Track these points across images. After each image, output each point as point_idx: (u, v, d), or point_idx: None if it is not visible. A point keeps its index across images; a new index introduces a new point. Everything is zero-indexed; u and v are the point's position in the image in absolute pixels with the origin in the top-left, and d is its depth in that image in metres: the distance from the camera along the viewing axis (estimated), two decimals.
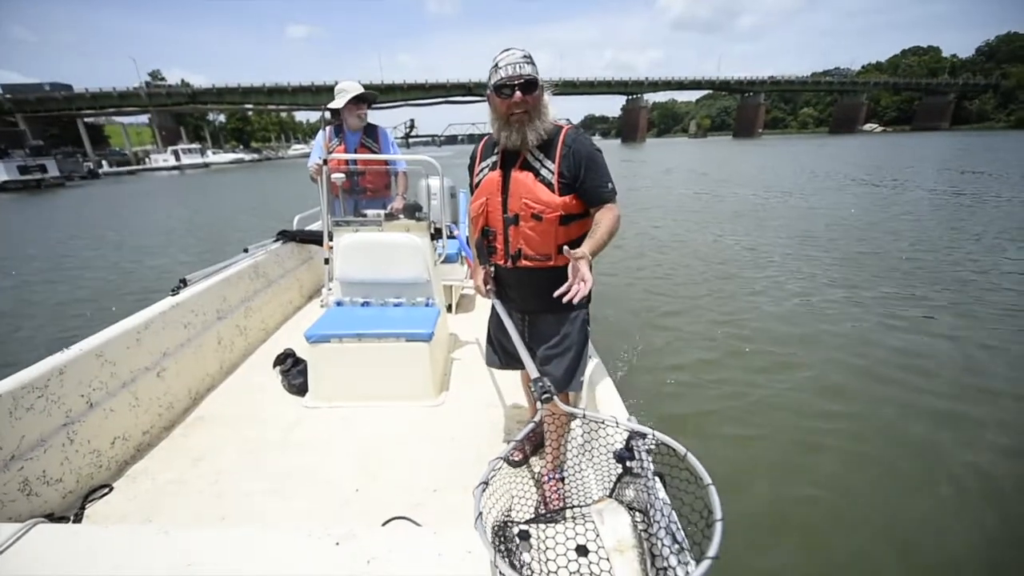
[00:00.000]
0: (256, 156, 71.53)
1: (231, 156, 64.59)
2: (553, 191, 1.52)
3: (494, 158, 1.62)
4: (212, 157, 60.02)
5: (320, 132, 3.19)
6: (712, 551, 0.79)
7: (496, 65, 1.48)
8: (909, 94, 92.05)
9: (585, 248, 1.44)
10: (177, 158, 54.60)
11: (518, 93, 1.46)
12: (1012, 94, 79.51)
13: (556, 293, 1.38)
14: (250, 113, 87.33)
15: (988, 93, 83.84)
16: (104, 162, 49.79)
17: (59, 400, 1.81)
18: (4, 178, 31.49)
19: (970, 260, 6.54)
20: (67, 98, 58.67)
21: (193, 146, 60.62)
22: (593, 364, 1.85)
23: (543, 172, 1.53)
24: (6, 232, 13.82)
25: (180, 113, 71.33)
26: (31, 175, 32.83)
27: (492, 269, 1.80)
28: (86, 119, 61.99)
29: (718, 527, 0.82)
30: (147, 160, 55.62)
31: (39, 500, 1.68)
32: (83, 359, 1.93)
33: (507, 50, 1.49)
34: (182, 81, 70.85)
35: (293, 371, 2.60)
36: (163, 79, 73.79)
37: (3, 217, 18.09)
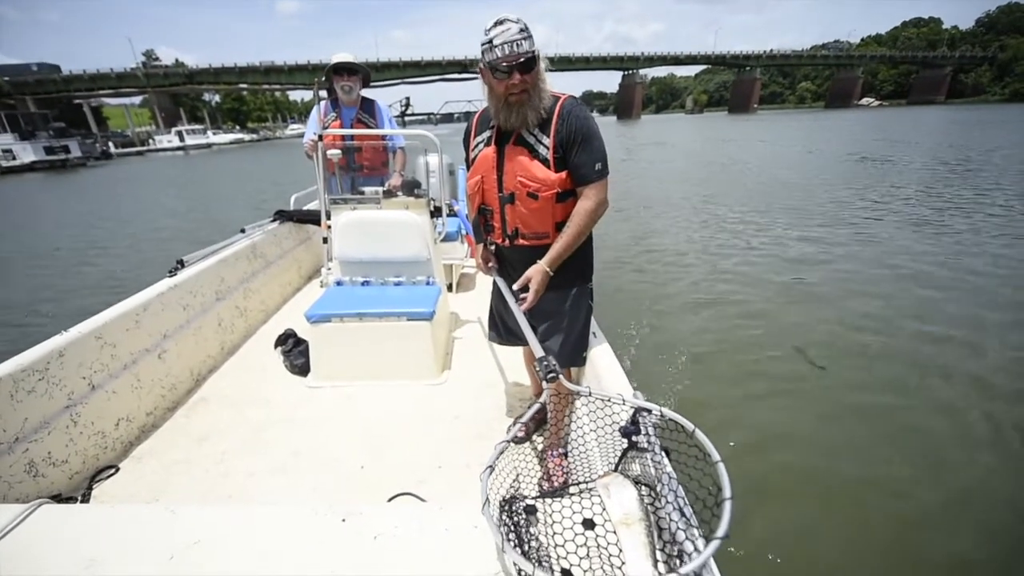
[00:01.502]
0: (255, 136, 71.42)
1: (232, 136, 64.50)
2: (549, 167, 1.44)
3: (488, 133, 1.54)
4: (214, 138, 59.97)
5: (315, 107, 3.07)
6: (721, 531, 0.76)
7: (491, 43, 1.33)
8: (906, 67, 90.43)
9: (551, 253, 1.49)
10: (181, 139, 54.68)
11: (517, 74, 1.35)
12: (1008, 67, 78.09)
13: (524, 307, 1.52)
14: (245, 93, 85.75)
15: (984, 66, 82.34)
16: (110, 143, 49.69)
17: (60, 382, 1.78)
18: (32, 158, 33.02)
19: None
20: (65, 79, 57.81)
21: (197, 127, 60.89)
22: (597, 340, 1.82)
23: (539, 148, 1.44)
24: (91, 201, 15.66)
25: (176, 94, 70.28)
26: (56, 155, 34.21)
27: (492, 246, 1.75)
28: (84, 100, 61.28)
29: (727, 506, 0.79)
30: (150, 141, 55.56)
31: (46, 481, 1.67)
32: (82, 341, 1.90)
33: (501, 23, 1.34)
34: (176, 61, 69.68)
35: (294, 351, 2.56)
36: (157, 59, 72.90)
37: (58, 193, 19.20)
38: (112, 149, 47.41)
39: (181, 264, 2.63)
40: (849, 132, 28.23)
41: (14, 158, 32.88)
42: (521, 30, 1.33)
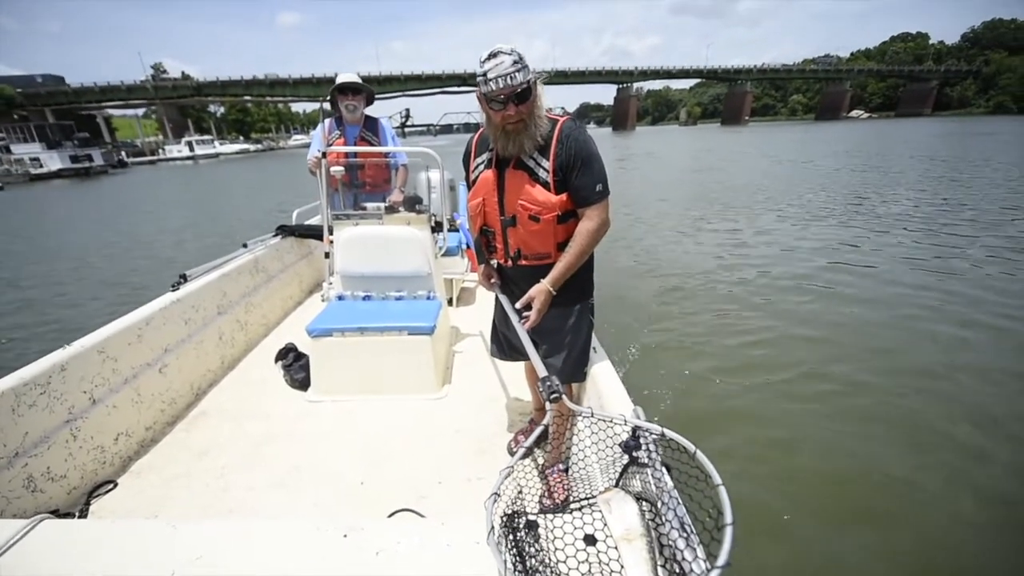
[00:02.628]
0: (260, 147, 73.45)
1: (238, 147, 66.99)
2: (550, 190, 1.45)
3: (488, 155, 1.54)
4: (221, 148, 62.39)
5: (319, 124, 3.09)
6: (722, 559, 0.73)
7: (485, 76, 1.33)
8: (894, 81, 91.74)
9: (553, 273, 1.49)
10: (191, 149, 57.44)
11: (512, 106, 1.36)
12: (992, 80, 79.32)
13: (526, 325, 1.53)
14: (249, 105, 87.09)
15: (969, 80, 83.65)
16: (123, 152, 51.59)
17: (61, 397, 1.77)
18: (59, 166, 36.40)
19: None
20: (76, 91, 60.09)
21: (206, 137, 63.64)
22: (598, 356, 1.82)
23: (539, 172, 1.45)
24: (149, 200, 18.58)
25: (183, 106, 72.14)
26: (80, 164, 37.83)
27: (495, 263, 1.75)
28: (97, 112, 63.91)
29: (728, 531, 0.76)
30: (160, 151, 57.94)
31: (44, 496, 1.65)
32: (84, 355, 1.89)
33: (494, 56, 1.33)
34: (183, 74, 71.46)
35: (295, 366, 2.55)
36: (165, 72, 74.69)
37: (91, 199, 21.22)
38: (126, 158, 49.81)
39: (184, 278, 2.63)
40: (824, 144, 29.48)
41: (41, 166, 35.88)
42: (515, 62, 1.32)
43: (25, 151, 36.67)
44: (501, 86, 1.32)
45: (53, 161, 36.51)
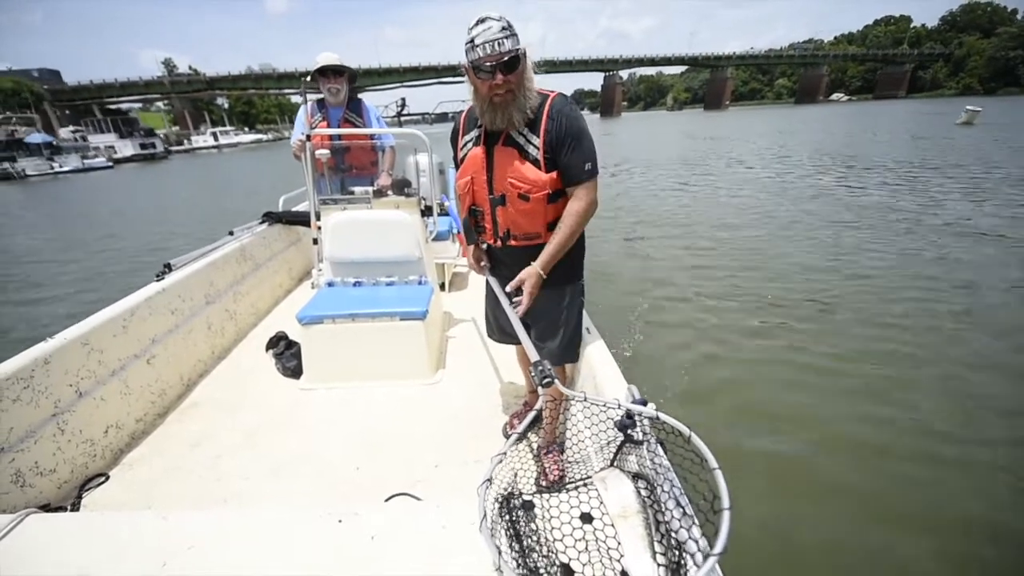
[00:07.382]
0: (271, 137, 79.21)
1: (253, 136, 73.77)
2: (540, 168, 1.38)
3: (477, 132, 1.46)
4: (238, 138, 68.37)
5: (301, 107, 2.95)
6: (719, 546, 0.69)
7: (472, 42, 1.26)
8: (873, 64, 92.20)
9: (543, 256, 1.43)
10: (216, 139, 63.86)
11: (500, 74, 1.27)
12: (962, 63, 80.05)
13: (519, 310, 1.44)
14: (253, 97, 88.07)
15: (940, 62, 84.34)
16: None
17: (46, 390, 1.70)
18: (131, 152, 45.15)
19: None
20: (99, 87, 65.65)
21: (228, 128, 70.71)
22: (591, 335, 1.78)
23: (529, 149, 1.37)
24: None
25: (194, 99, 75.52)
26: (146, 150, 46.75)
27: (484, 246, 1.69)
28: (112, 106, 69.13)
29: (725, 516, 0.71)
30: (185, 141, 63.56)
31: (34, 491, 1.59)
32: (68, 348, 1.81)
33: (482, 22, 1.26)
34: (190, 67, 76.17)
35: (287, 354, 2.48)
36: (175, 67, 78.77)
37: (173, 172, 26.45)
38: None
39: (168, 268, 2.53)
40: (768, 125, 31.59)
41: (116, 152, 43.81)
42: (503, 28, 1.25)
43: (102, 140, 45.55)
44: (489, 52, 1.25)
45: (126, 148, 45.11)
